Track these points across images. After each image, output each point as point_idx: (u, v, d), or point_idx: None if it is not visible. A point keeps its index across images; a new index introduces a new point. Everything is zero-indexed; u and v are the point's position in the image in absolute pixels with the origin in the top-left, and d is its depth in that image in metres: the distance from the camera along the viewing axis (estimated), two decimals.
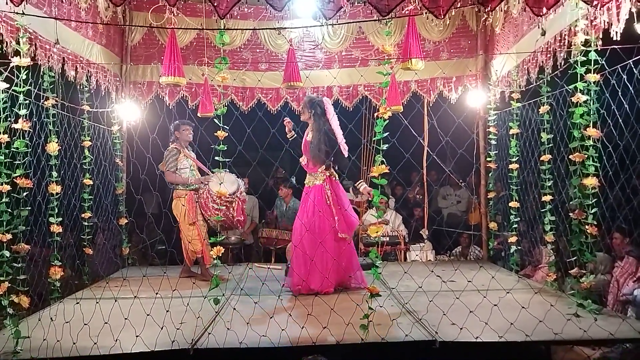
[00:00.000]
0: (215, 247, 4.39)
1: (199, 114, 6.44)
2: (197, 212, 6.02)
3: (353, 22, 6.98)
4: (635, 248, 5.30)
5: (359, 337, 3.83)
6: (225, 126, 4.48)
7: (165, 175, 5.98)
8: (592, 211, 4.39)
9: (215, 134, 4.49)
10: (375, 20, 4.68)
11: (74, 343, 3.70)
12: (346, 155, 5.40)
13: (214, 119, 4.54)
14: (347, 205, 5.45)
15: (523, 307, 3.93)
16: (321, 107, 5.44)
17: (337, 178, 5.51)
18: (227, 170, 4.96)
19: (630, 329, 3.95)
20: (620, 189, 4.16)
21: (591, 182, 4.36)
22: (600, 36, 4.33)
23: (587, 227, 4.39)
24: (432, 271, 4.36)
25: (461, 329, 3.83)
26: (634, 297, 5.07)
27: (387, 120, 4.18)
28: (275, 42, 7.36)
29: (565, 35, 4.82)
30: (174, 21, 5.60)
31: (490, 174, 7.06)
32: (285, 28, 6.85)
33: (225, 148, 4.45)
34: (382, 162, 4.14)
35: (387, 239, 7.50)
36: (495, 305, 3.99)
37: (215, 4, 4.48)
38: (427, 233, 7.89)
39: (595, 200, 4.40)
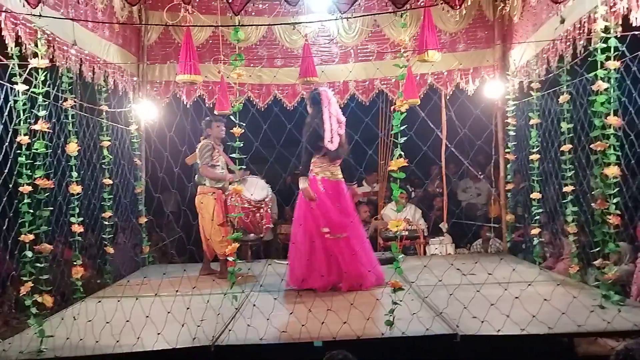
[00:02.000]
0: (232, 244, 4.40)
1: (215, 112, 6.46)
2: (225, 212, 5.99)
3: (368, 14, 6.94)
4: None
5: (379, 331, 3.82)
6: (242, 123, 4.48)
7: (201, 169, 5.97)
8: (615, 201, 4.32)
9: (232, 130, 4.50)
10: (390, 12, 4.65)
11: (97, 341, 3.74)
12: (332, 149, 5.23)
13: (231, 117, 4.55)
14: (330, 211, 5.26)
15: (545, 300, 3.89)
16: (317, 99, 5.34)
17: (331, 176, 5.35)
18: (259, 176, 4.98)
19: None
20: None
21: (613, 171, 4.28)
22: (620, 22, 4.25)
23: (609, 217, 4.32)
24: (452, 264, 4.32)
25: (482, 322, 3.80)
26: None
27: (405, 113, 4.15)
28: (291, 38, 7.34)
29: (584, 22, 4.73)
30: (189, 19, 5.61)
31: (509, 166, 6.99)
32: (300, 23, 6.83)
33: (242, 145, 4.46)
34: (400, 156, 4.11)
35: (407, 233, 7.45)
36: (516, 297, 3.95)
37: (230, 1, 4.48)
38: (446, 226, 7.83)
39: (617, 189, 4.32)
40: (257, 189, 5.49)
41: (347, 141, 5.39)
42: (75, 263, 5.10)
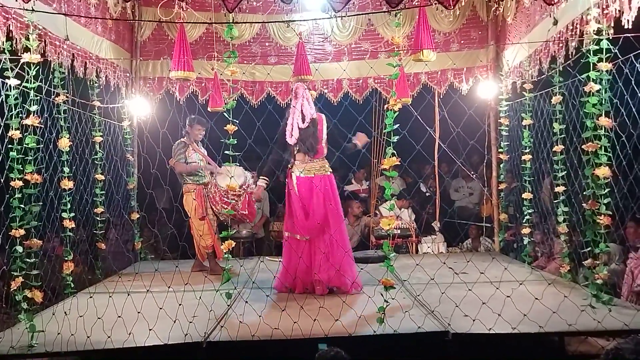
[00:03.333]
0: (225, 242, 4.40)
1: (209, 109, 6.44)
2: (206, 206, 6.04)
3: (362, 14, 6.95)
4: None
5: (371, 329, 3.83)
6: (235, 120, 4.48)
7: (175, 167, 6.02)
8: (606, 201, 4.35)
9: (225, 128, 4.49)
10: (384, 11, 4.65)
11: (88, 337, 3.73)
12: (291, 143, 5.18)
13: (224, 114, 4.54)
14: (295, 212, 5.21)
15: (536, 299, 3.91)
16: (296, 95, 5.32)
17: (307, 173, 5.23)
18: (238, 164, 4.96)
19: None
20: (634, 179, 4.11)
21: (604, 172, 4.31)
22: (612, 25, 4.28)
23: (600, 217, 4.35)
24: (444, 263, 4.33)
25: (474, 320, 3.82)
26: None
27: (398, 112, 4.16)
28: (285, 36, 7.34)
29: (577, 24, 4.75)
30: (183, 16, 5.58)
31: (501, 166, 7.02)
32: (294, 21, 6.83)
33: (235, 142, 4.45)
34: (393, 154, 4.12)
35: (399, 231, 7.47)
36: (508, 296, 3.96)
37: None
38: (439, 225, 7.86)
39: (608, 190, 4.35)
40: (234, 177, 5.46)
41: (323, 138, 5.26)
42: (66, 258, 5.08)
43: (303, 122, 5.16)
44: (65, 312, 4.02)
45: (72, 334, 3.77)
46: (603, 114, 4.37)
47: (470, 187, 8.60)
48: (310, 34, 7.36)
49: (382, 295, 3.91)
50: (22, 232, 4.07)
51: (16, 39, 4.27)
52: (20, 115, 4.19)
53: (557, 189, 5.41)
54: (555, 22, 5.09)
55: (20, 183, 4.10)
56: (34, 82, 4.28)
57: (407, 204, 7.91)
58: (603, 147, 4.36)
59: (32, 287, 4.08)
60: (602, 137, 4.37)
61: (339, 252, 5.01)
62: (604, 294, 4.41)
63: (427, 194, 8.51)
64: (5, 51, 4.09)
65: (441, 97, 7.28)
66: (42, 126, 4.49)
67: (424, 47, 4.86)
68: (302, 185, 5.22)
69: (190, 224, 6.06)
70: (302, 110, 5.19)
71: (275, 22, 7.06)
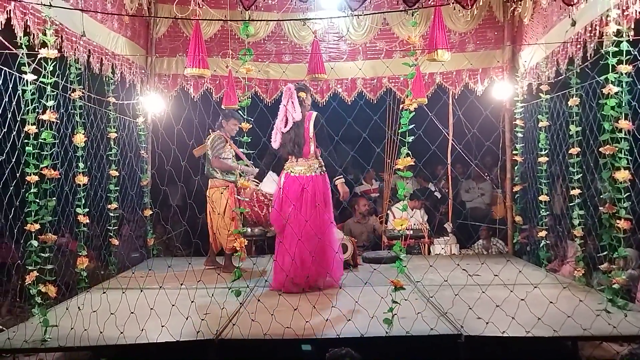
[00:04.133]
0: (238, 240, 4.40)
1: (223, 106, 6.46)
2: (236, 206, 5.98)
3: (378, 12, 6.93)
4: None
5: (383, 330, 3.81)
6: (250, 118, 4.48)
7: (213, 161, 5.97)
8: (624, 205, 4.29)
9: (240, 125, 4.49)
10: (401, 10, 4.63)
11: (101, 332, 3.75)
12: (274, 147, 5.25)
13: (239, 111, 4.54)
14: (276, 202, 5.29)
15: (551, 302, 3.87)
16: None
17: (294, 172, 5.27)
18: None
19: None
20: None
21: (623, 175, 4.26)
22: (632, 26, 4.22)
23: (619, 221, 4.29)
24: (458, 264, 4.30)
25: (487, 323, 3.78)
26: None
27: (413, 112, 4.14)
28: (299, 34, 7.34)
29: (596, 25, 4.70)
30: (198, 13, 5.60)
31: (516, 168, 6.96)
32: (309, 19, 6.82)
33: (250, 140, 4.45)
34: (408, 155, 4.09)
35: (411, 232, 7.44)
36: (522, 299, 3.93)
37: None
38: (451, 226, 7.82)
39: (627, 194, 4.30)
40: (269, 182, 5.48)
41: (310, 137, 5.25)
42: (80, 254, 5.11)
43: (285, 127, 5.21)
44: (78, 307, 4.03)
45: (85, 329, 3.77)
46: (623, 117, 4.32)
47: (482, 188, 8.55)
48: (325, 33, 7.35)
49: (391, 295, 3.89)
50: (37, 226, 4.10)
51: (33, 34, 4.30)
52: (37, 110, 4.21)
53: (572, 192, 5.35)
54: (574, 23, 5.04)
55: (36, 178, 4.13)
56: (50, 78, 4.30)
57: (420, 204, 7.88)
58: (622, 150, 4.31)
59: (46, 282, 4.11)
60: (621, 140, 4.32)
61: (326, 251, 5.07)
62: (620, 299, 4.37)
63: (438, 195, 8.47)
64: (23, 46, 4.12)
65: (456, 97, 7.24)
66: (58, 121, 4.51)
67: (439, 47, 4.84)
68: (289, 184, 5.25)
69: (208, 220, 6.06)
70: (285, 113, 5.23)
71: (291, 20, 7.06)
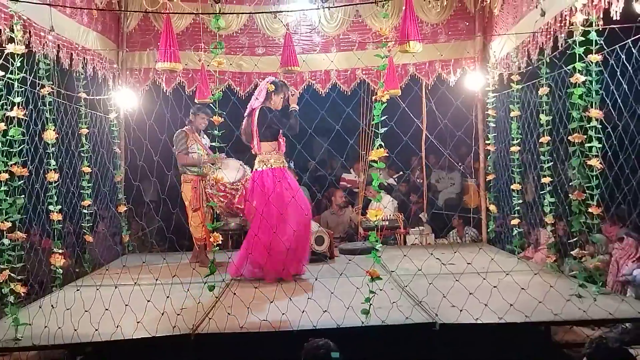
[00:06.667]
0: (213, 234, 4.39)
1: (196, 100, 6.41)
2: (202, 198, 6.02)
3: (350, 5, 6.93)
4: (634, 229, 5.31)
5: (359, 320, 3.84)
6: (222, 111, 4.45)
7: (177, 157, 6.04)
8: (595, 192, 4.38)
9: (212, 119, 4.47)
10: (371, 2, 4.64)
11: (75, 330, 3.71)
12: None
13: (211, 105, 4.51)
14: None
15: (522, 289, 3.94)
16: None
17: (263, 166, 5.39)
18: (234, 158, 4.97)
19: (629, 308, 3.98)
20: (619, 169, 4.15)
21: (594, 162, 4.35)
22: (601, 16, 4.28)
23: (591, 207, 4.38)
24: (432, 254, 4.35)
25: (461, 310, 3.85)
26: (633, 277, 5.09)
27: (386, 104, 4.16)
28: (272, 27, 7.30)
29: (565, 15, 4.76)
30: (169, 6, 5.53)
31: (489, 157, 7.04)
32: (281, 12, 6.79)
33: (220, 134, 4.44)
34: (381, 146, 4.12)
35: (387, 222, 7.48)
36: (494, 287, 3.99)
37: None
38: (426, 217, 7.89)
39: (598, 181, 4.38)
40: (231, 170, 5.48)
41: (254, 132, 5.37)
42: (55, 251, 5.04)
43: (244, 118, 5.37)
44: (52, 305, 3.99)
45: (59, 327, 3.74)
46: (594, 105, 4.40)
47: (451, 177, 8.63)
48: (298, 25, 7.32)
49: (368, 286, 3.92)
50: (8, 224, 4.04)
51: (0, 29, 4.21)
52: (5, 107, 4.14)
53: (543, 180, 5.43)
54: (543, 14, 5.09)
55: (6, 175, 4.07)
56: (18, 74, 4.23)
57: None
58: (591, 138, 4.39)
59: (14, 281, 4.06)
60: (591, 128, 4.39)
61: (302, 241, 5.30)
62: (590, 284, 4.46)
63: (395, 185, 8.51)
64: None
65: (429, 88, 7.28)
66: (27, 118, 4.44)
67: (411, 38, 4.86)
68: (254, 178, 5.39)
69: (187, 215, 6.10)
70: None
71: (263, 12, 7.02)
